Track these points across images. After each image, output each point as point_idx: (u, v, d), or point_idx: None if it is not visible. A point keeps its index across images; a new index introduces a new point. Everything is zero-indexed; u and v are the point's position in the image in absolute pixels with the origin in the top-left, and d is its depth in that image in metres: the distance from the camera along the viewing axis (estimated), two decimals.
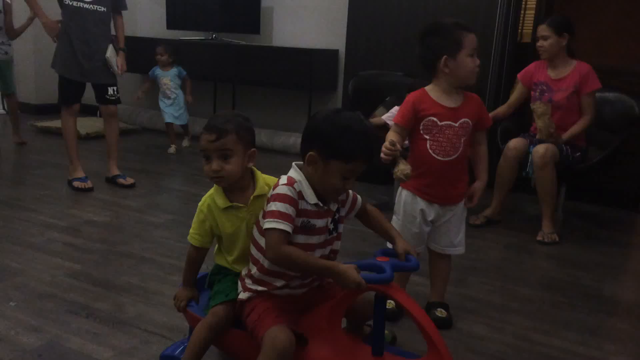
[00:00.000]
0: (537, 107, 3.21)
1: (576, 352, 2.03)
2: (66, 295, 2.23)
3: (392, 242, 1.65)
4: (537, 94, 3.37)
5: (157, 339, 1.94)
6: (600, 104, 3.36)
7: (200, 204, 1.68)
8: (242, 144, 1.61)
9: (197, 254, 1.71)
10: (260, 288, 1.57)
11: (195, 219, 1.69)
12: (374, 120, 3.53)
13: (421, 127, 2.01)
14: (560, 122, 3.26)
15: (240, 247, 1.67)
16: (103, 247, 2.74)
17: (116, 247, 2.75)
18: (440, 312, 2.14)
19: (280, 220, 1.46)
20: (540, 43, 3.31)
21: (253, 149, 1.64)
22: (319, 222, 1.54)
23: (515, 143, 3.31)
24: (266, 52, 5.01)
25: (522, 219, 3.61)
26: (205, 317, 1.60)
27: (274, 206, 1.48)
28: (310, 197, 1.51)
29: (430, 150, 2.01)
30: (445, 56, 1.96)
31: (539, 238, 3.19)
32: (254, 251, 1.60)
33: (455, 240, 2.15)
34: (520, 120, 3.68)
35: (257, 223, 1.60)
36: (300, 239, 1.51)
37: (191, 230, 1.69)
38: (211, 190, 1.68)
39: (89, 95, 3.80)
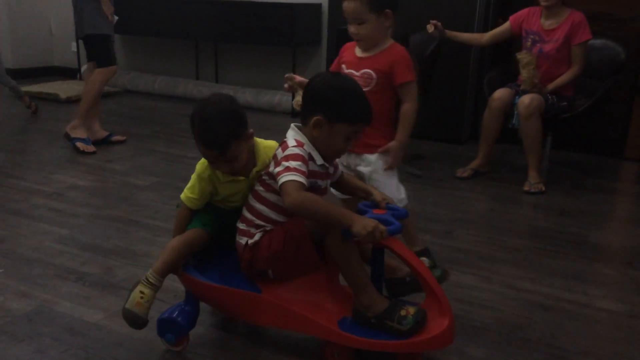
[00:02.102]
0: (523, 57, 3.18)
1: (562, 298, 2.07)
2: (54, 260, 2.22)
3: (369, 195, 1.68)
4: (529, 43, 3.32)
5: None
6: (587, 51, 3.33)
7: (199, 170, 1.65)
8: (242, 141, 1.57)
9: (189, 215, 1.71)
10: (269, 227, 1.59)
11: (194, 183, 1.66)
12: None
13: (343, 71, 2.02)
14: (548, 73, 3.24)
15: (235, 198, 1.69)
16: (89, 212, 2.72)
17: (102, 211, 2.73)
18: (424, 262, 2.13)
19: (297, 174, 1.49)
20: None
21: (250, 131, 1.61)
22: (323, 183, 1.62)
23: (500, 94, 3.29)
24: (248, 7, 4.89)
25: (509, 169, 3.63)
26: (185, 233, 1.66)
27: (288, 163, 1.50)
28: (317, 158, 1.57)
29: None
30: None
31: (525, 188, 3.21)
32: (253, 206, 1.61)
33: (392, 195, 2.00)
34: (507, 71, 3.64)
35: (253, 191, 1.63)
36: None
37: (189, 194, 1.67)
38: None
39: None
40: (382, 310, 1.51)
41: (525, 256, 2.41)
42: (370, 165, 2.02)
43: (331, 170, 1.66)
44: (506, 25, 3.44)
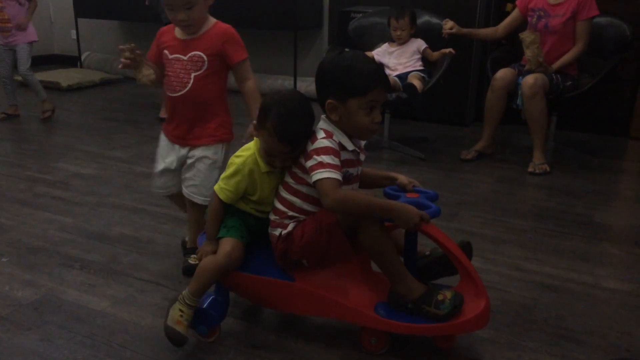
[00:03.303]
0: (526, 36, 3.14)
1: (568, 278, 2.06)
2: (59, 248, 2.22)
3: (394, 180, 1.67)
4: (534, 20, 3.28)
5: (153, 287, 1.94)
6: (592, 29, 3.28)
7: (239, 163, 1.61)
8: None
9: (222, 208, 1.66)
10: (301, 217, 1.58)
11: (229, 176, 1.62)
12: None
13: (164, 62, 1.92)
14: (553, 49, 3.21)
15: (267, 193, 1.65)
16: (93, 200, 2.72)
17: (106, 199, 2.72)
18: (193, 260, 1.95)
19: (331, 170, 1.46)
20: None
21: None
22: (354, 171, 1.59)
23: (502, 74, 3.26)
24: None
25: (514, 151, 3.60)
26: (222, 250, 1.60)
27: (320, 158, 1.47)
28: (348, 144, 1.53)
29: (166, 86, 1.93)
30: None
31: (530, 169, 3.19)
32: (285, 198, 1.59)
33: (204, 190, 1.94)
34: (511, 51, 3.60)
35: (284, 183, 1.60)
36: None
37: (224, 186, 1.62)
38: (252, 151, 1.61)
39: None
40: (419, 295, 1.50)
41: (531, 237, 2.40)
42: (203, 154, 1.93)
43: (362, 157, 1.61)
44: (515, 12, 3.38)
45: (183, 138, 1.95)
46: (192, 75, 1.87)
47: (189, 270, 1.93)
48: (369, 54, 3.45)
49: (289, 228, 1.58)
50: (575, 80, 3.28)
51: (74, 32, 5.97)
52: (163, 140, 2.02)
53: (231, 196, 1.63)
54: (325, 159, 1.47)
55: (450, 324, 1.49)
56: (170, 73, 1.90)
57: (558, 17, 3.20)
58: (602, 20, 3.34)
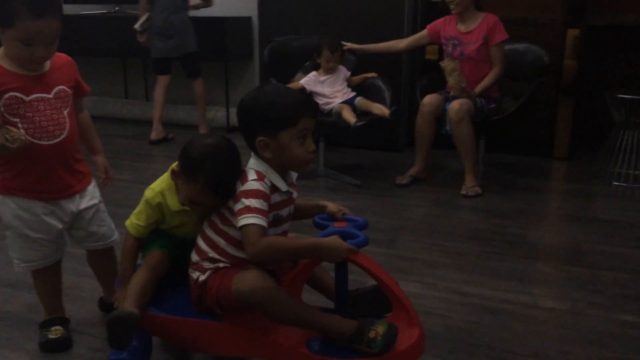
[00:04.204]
0: (446, 64, 3.25)
1: (506, 300, 2.07)
2: None
3: (323, 208, 1.61)
4: (450, 48, 3.40)
5: (77, 337, 1.80)
6: (511, 55, 3.42)
7: (149, 196, 1.56)
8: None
9: (137, 245, 1.60)
10: (222, 264, 1.50)
11: (141, 210, 1.57)
12: (292, 85, 3.49)
13: (2, 109, 1.55)
14: (472, 74, 3.32)
15: (183, 230, 1.61)
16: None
17: None
18: (54, 333, 1.77)
19: (257, 215, 1.39)
20: None
21: None
22: (285, 212, 1.52)
23: (429, 99, 3.34)
24: None
25: (447, 174, 3.67)
26: (144, 260, 1.57)
27: (248, 202, 1.40)
28: (281, 184, 1.47)
29: (33, 135, 1.58)
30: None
31: (463, 192, 3.25)
32: (210, 237, 1.51)
33: (112, 225, 1.84)
34: (438, 77, 3.69)
35: (209, 220, 1.53)
36: (270, 232, 1.46)
37: (135, 220, 1.58)
38: (162, 186, 1.56)
39: None
40: (350, 335, 1.43)
41: (468, 260, 2.42)
42: (93, 197, 1.77)
43: (295, 194, 1.56)
44: (424, 33, 3.54)
45: (66, 190, 1.68)
46: (66, 112, 1.64)
47: (46, 346, 1.73)
48: (296, 84, 3.47)
49: (205, 275, 1.50)
50: (499, 103, 3.40)
51: None
52: (27, 205, 1.65)
53: (142, 230, 1.59)
54: (254, 202, 1.40)
55: (385, 357, 1.43)
56: (36, 118, 1.58)
57: (471, 44, 3.33)
58: (520, 46, 3.51)
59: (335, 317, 1.46)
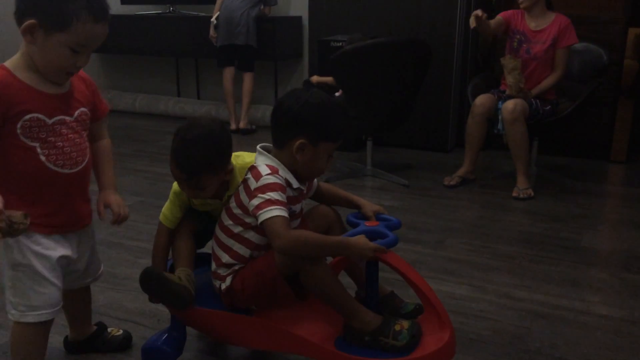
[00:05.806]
0: (507, 62, 3.16)
1: (559, 305, 2.01)
2: None
3: (358, 206, 1.62)
4: (515, 44, 3.30)
5: (130, 326, 1.85)
6: (569, 55, 3.32)
7: (175, 187, 1.61)
8: (215, 175, 1.49)
9: (168, 241, 1.64)
10: (237, 266, 1.52)
11: (170, 201, 1.63)
12: (324, 79, 3.65)
13: (19, 131, 1.33)
14: (534, 74, 3.23)
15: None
16: None
17: None
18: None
19: (280, 207, 1.40)
20: None
21: (230, 167, 1.53)
22: (297, 207, 1.53)
23: (482, 100, 3.26)
24: None
25: (497, 176, 3.59)
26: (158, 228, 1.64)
27: (268, 196, 1.40)
28: (294, 182, 1.48)
29: (47, 163, 1.37)
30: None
31: (514, 194, 3.17)
32: (222, 241, 1.54)
33: (97, 262, 1.65)
34: (490, 77, 3.63)
35: (221, 222, 1.55)
36: None
37: (164, 211, 1.64)
38: None
39: None
40: (375, 327, 1.44)
41: (519, 263, 2.36)
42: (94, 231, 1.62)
43: (305, 190, 1.56)
44: (499, 18, 3.34)
45: (76, 221, 1.50)
46: (85, 136, 1.46)
47: None
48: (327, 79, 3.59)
49: (227, 281, 1.52)
50: (555, 105, 3.30)
51: None
52: (44, 241, 1.41)
53: (170, 218, 1.62)
54: (274, 195, 1.40)
55: (412, 357, 1.40)
56: (59, 143, 1.38)
57: (539, 44, 3.23)
58: (578, 46, 3.38)
59: (362, 306, 1.47)
